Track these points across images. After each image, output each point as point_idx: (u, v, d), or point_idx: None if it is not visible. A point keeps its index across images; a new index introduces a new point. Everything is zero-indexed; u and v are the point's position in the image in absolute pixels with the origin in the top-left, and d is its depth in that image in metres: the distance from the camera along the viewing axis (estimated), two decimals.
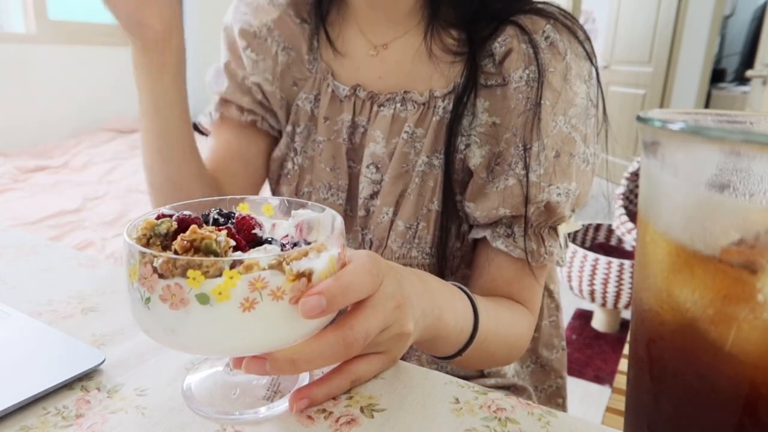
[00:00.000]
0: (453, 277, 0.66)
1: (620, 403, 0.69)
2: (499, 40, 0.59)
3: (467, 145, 0.60)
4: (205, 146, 0.72)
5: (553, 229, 0.60)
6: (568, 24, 0.59)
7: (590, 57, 0.59)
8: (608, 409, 0.69)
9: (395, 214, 0.63)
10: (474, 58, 0.60)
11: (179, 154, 0.65)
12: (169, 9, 0.59)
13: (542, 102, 0.56)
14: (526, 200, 0.57)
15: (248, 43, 0.68)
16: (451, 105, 0.61)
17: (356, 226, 0.67)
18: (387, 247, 0.64)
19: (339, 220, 0.38)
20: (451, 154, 0.60)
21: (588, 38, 0.60)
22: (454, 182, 0.62)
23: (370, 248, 0.66)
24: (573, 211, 0.60)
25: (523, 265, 0.60)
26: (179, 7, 0.61)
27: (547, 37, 0.57)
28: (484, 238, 0.61)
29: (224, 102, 0.71)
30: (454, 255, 0.65)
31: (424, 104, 0.62)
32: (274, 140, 0.73)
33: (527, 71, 0.57)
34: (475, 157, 0.59)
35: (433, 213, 0.62)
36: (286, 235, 0.40)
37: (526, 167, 0.56)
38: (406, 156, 0.62)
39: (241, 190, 0.72)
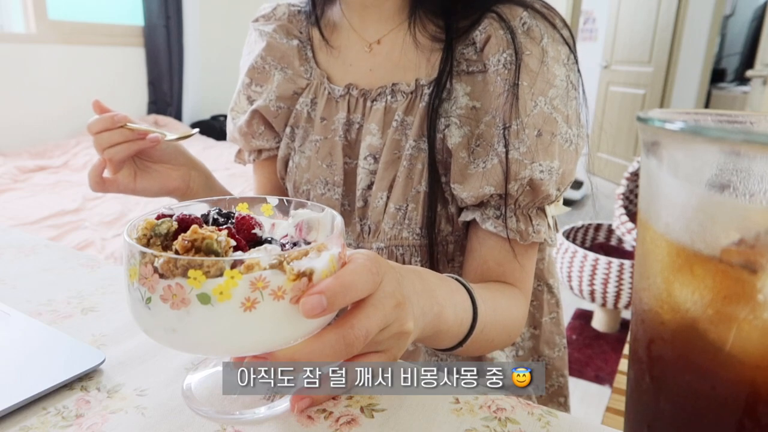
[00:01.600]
0: (450, 264, 0.68)
1: (620, 403, 0.69)
2: (480, 28, 0.62)
3: (447, 126, 0.62)
4: (253, 182, 0.84)
5: (542, 210, 0.62)
6: (546, 12, 0.61)
7: (567, 42, 0.61)
8: (608, 409, 0.69)
9: (389, 197, 0.66)
10: (451, 44, 0.63)
11: None
12: (182, 166, 0.72)
13: (519, 83, 0.58)
14: (507, 176, 0.58)
15: (251, 78, 0.73)
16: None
17: (354, 218, 0.69)
18: (380, 230, 0.66)
19: (339, 219, 0.38)
20: (432, 135, 0.62)
21: (566, 26, 0.62)
22: (438, 163, 0.64)
23: (369, 235, 0.68)
24: (559, 190, 0.61)
25: (514, 246, 0.61)
26: (187, 156, 0.73)
27: (524, 23, 0.60)
28: (475, 221, 0.62)
29: (259, 152, 0.77)
30: (446, 240, 0.66)
31: (411, 93, 0.64)
32: None
33: (504, 55, 0.59)
34: (454, 137, 0.62)
35: (421, 194, 0.64)
36: (286, 235, 0.40)
37: (506, 145, 0.58)
38: (397, 143, 0.65)
39: None
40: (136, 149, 0.66)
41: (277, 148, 0.75)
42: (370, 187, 0.67)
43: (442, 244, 0.66)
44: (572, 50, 0.61)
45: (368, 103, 0.67)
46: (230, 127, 0.77)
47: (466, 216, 0.63)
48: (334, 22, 0.72)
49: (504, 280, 0.63)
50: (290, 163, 0.73)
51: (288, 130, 0.72)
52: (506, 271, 0.62)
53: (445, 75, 0.62)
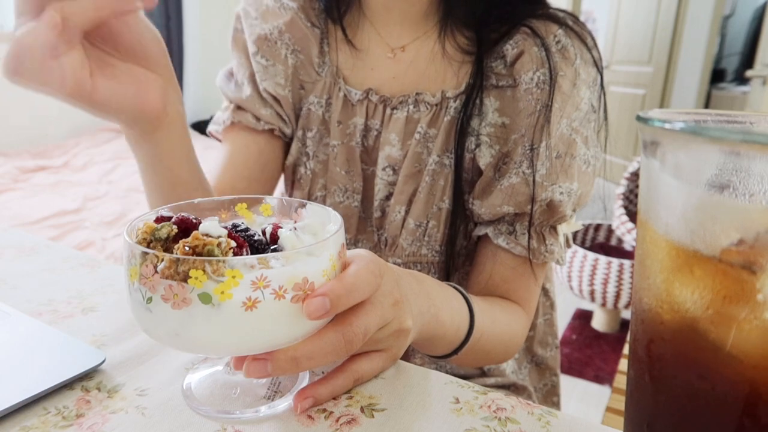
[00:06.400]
0: (457, 273, 0.67)
1: (620, 403, 0.69)
2: (511, 42, 0.60)
3: (477, 145, 0.61)
4: (219, 152, 0.70)
5: (554, 228, 0.61)
6: (578, 30, 0.60)
7: (597, 63, 0.60)
8: (608, 409, 0.69)
9: (407, 212, 0.64)
10: (482, 58, 0.61)
11: (190, 195, 0.56)
12: (160, 72, 0.48)
13: (552, 105, 0.57)
14: (533, 199, 0.58)
15: (258, 48, 0.67)
16: (461, 105, 0.61)
17: (371, 226, 0.67)
18: (398, 245, 0.65)
19: (339, 219, 0.38)
20: (461, 153, 0.61)
21: (596, 45, 0.61)
22: (464, 182, 0.62)
23: (385, 247, 0.66)
24: (574, 210, 0.61)
25: (522, 264, 0.60)
26: (166, 60, 0.49)
27: (558, 42, 0.59)
28: (486, 235, 0.61)
29: (239, 109, 0.68)
30: (460, 253, 0.65)
31: (436, 105, 0.62)
32: (287, 145, 0.72)
33: (538, 73, 0.58)
34: (485, 157, 0.60)
35: (443, 211, 0.63)
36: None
37: (533, 167, 0.57)
38: (418, 156, 0.63)
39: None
40: (109, 11, 0.41)
41: (282, 133, 0.69)
42: (388, 197, 0.65)
43: (456, 257, 0.65)
44: (600, 71, 0.61)
45: (388, 111, 0.64)
46: (244, 90, 0.67)
47: (479, 231, 0.62)
48: (355, 23, 0.67)
49: (507, 297, 0.62)
50: (301, 170, 0.69)
51: (299, 132, 0.69)
52: (511, 289, 0.61)
53: (475, 90, 0.60)
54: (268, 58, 0.67)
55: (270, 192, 0.73)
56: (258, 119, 0.67)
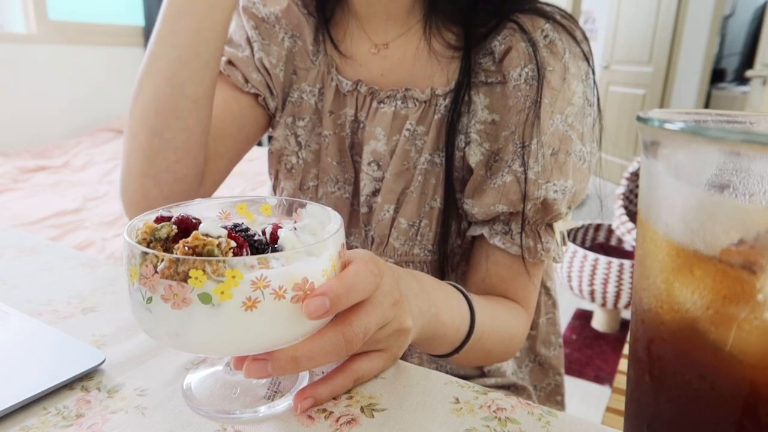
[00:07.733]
0: (454, 273, 0.66)
1: (620, 403, 0.69)
2: (499, 38, 0.59)
3: (467, 143, 0.60)
4: None
5: (550, 226, 0.60)
6: (567, 24, 0.59)
7: (587, 57, 0.60)
8: (608, 409, 0.69)
9: (396, 211, 0.63)
10: (469, 54, 0.60)
11: (212, 66, 0.59)
12: None
13: (541, 100, 0.56)
14: (525, 197, 0.57)
15: (256, 24, 0.67)
16: (451, 102, 0.61)
17: (361, 222, 0.67)
18: (389, 245, 0.64)
19: (339, 219, 0.38)
20: (451, 152, 0.60)
21: (586, 38, 0.60)
22: (455, 180, 0.62)
23: (372, 245, 0.66)
24: (570, 208, 0.60)
25: (519, 263, 0.60)
26: None
27: (546, 36, 0.58)
28: (482, 235, 0.61)
29: (230, 64, 0.67)
30: (455, 252, 0.65)
31: (425, 102, 0.62)
32: (268, 120, 0.71)
33: (526, 69, 0.57)
34: (475, 155, 0.60)
35: (435, 210, 0.62)
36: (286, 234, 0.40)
37: (524, 165, 0.57)
38: (407, 154, 0.62)
39: (226, 152, 0.68)
40: None
41: (266, 105, 0.68)
42: (374, 194, 0.65)
43: (450, 256, 0.65)
44: (590, 65, 0.60)
45: (374, 104, 0.63)
46: (242, 49, 0.67)
47: (474, 231, 0.62)
48: (344, 20, 0.68)
49: (506, 296, 0.61)
50: (293, 159, 0.68)
51: (289, 120, 0.68)
52: (509, 288, 0.61)
53: (463, 87, 0.60)
54: (265, 37, 0.67)
55: (238, 156, 0.70)
56: (246, 81, 0.66)
